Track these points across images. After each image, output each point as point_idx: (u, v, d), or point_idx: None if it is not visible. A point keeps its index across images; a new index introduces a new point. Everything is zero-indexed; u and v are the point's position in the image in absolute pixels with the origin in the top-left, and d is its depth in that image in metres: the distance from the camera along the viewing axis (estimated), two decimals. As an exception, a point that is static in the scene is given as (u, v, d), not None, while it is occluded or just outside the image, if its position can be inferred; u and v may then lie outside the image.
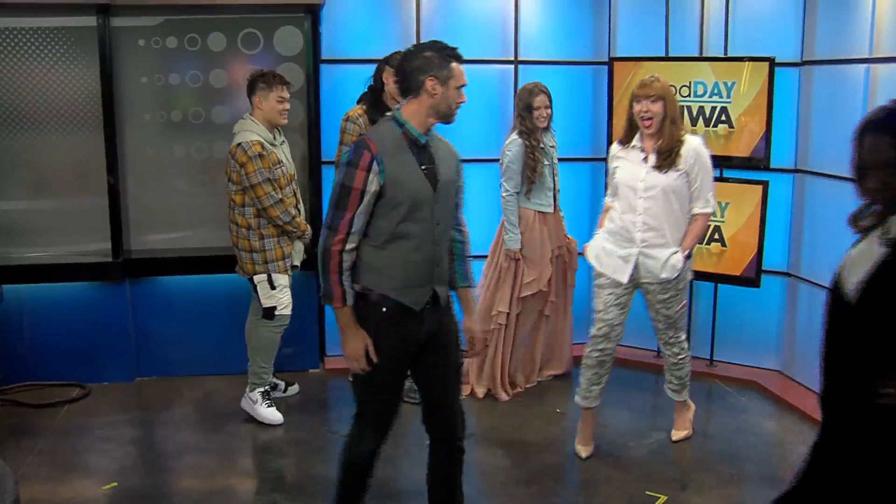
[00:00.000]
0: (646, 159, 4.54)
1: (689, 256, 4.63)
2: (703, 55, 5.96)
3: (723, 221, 5.82)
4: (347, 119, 5.33)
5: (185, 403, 5.59)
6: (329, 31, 5.97)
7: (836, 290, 2.65)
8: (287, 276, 5.25)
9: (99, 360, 5.86)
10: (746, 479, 4.62)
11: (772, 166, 5.74)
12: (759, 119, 5.66)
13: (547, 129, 5.65)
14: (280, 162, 5.16)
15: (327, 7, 5.84)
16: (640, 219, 4.54)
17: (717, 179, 5.86)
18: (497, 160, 5.69)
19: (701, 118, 5.83)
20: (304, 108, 5.92)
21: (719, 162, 5.86)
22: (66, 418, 5.33)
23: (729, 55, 5.85)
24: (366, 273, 3.41)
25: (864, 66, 5.14)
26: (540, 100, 5.47)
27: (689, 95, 5.85)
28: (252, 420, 5.27)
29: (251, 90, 5.14)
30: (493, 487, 4.42)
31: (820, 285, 5.60)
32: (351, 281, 3.40)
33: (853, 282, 2.58)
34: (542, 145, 5.55)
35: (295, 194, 5.30)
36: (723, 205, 5.81)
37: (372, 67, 5.77)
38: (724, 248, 5.84)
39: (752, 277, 5.77)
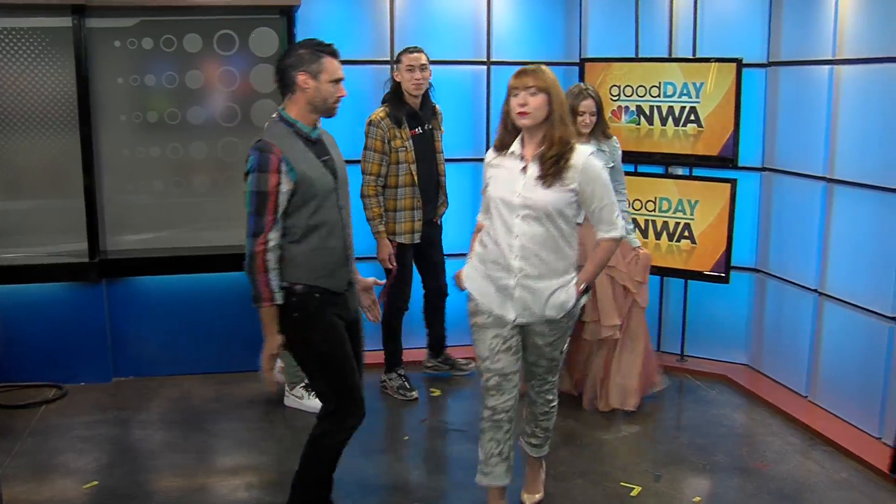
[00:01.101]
0: (525, 169, 3.68)
1: (585, 291, 3.81)
2: (673, 56, 6.07)
3: (692, 219, 5.94)
4: (370, 123, 5.40)
5: (163, 403, 5.61)
6: (304, 32, 5.97)
7: None
8: None
9: (75, 361, 5.86)
10: (717, 469, 4.73)
11: (740, 165, 5.86)
12: (728, 119, 5.78)
13: (593, 134, 5.28)
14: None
15: (302, 8, 5.89)
16: (517, 242, 3.66)
17: (687, 178, 6.01)
18: (475, 160, 5.78)
19: (671, 118, 5.95)
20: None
21: (689, 161, 5.99)
22: (44, 419, 5.33)
23: (697, 56, 5.96)
24: (290, 268, 3.61)
25: (828, 67, 5.27)
26: (586, 104, 5.16)
27: (658, 96, 5.96)
28: (229, 419, 5.32)
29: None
30: (468, 478, 4.43)
31: (787, 281, 5.74)
32: (279, 280, 3.59)
33: None
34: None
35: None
36: (692, 203, 5.93)
37: (346, 69, 5.77)
38: (693, 246, 5.95)
39: (721, 274, 5.89)
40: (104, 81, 5.74)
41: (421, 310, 5.96)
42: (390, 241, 5.48)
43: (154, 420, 5.36)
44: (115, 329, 5.92)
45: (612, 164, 5.18)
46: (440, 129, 5.65)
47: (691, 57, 5.98)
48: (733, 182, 5.80)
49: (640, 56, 6.18)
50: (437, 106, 5.64)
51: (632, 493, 4.42)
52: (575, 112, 5.08)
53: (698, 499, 4.41)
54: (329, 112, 3.69)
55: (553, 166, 3.59)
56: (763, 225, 6.01)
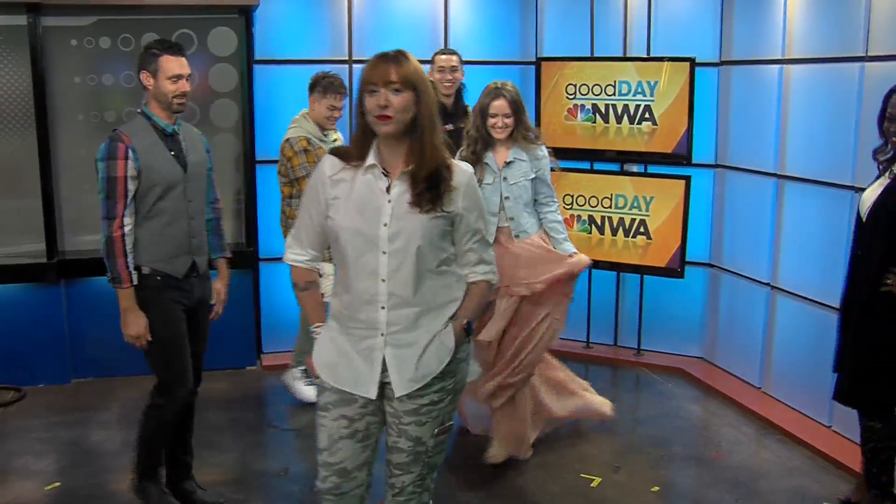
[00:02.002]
0: (389, 188, 2.80)
1: (468, 331, 2.93)
2: (627, 55, 6.17)
3: (647, 215, 6.04)
4: None
5: (123, 403, 5.58)
6: (262, 32, 6.02)
7: (857, 217, 3.84)
8: (331, 264, 5.29)
9: (34, 362, 5.81)
10: (675, 459, 4.84)
11: (693, 162, 5.98)
12: (681, 117, 5.89)
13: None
14: None
15: (260, 8, 5.90)
16: (386, 288, 2.79)
17: (641, 175, 6.12)
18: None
19: (626, 116, 6.04)
20: (238, 108, 5.96)
21: (644, 158, 6.10)
22: (2, 422, 5.29)
23: (651, 55, 6.07)
24: (135, 250, 3.84)
25: (778, 66, 5.40)
26: (498, 105, 4.59)
27: (613, 94, 6.06)
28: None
29: (311, 89, 5.28)
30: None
31: (740, 275, 5.86)
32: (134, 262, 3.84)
33: (866, 207, 3.76)
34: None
35: None
36: (647, 199, 6.03)
37: (304, 68, 5.86)
38: (649, 241, 6.06)
39: (676, 269, 6.00)
40: (61, 81, 5.71)
41: None
42: None
43: (114, 421, 5.34)
44: (73, 330, 5.87)
45: (533, 175, 4.59)
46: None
47: (645, 56, 6.09)
48: (687, 179, 5.92)
49: (595, 55, 6.27)
50: (468, 106, 5.62)
51: (591, 485, 4.50)
52: (486, 113, 4.58)
53: (656, 488, 4.51)
54: (170, 106, 3.87)
55: (432, 188, 2.77)
56: (717, 220, 6.13)
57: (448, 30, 6.32)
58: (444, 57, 5.52)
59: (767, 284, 5.59)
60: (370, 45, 6.16)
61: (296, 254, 3.00)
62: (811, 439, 4.94)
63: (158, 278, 3.87)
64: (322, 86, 5.24)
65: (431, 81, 5.39)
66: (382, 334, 2.81)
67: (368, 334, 2.82)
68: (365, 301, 2.81)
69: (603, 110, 6.12)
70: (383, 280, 2.77)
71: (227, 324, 5.52)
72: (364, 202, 2.79)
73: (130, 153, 3.74)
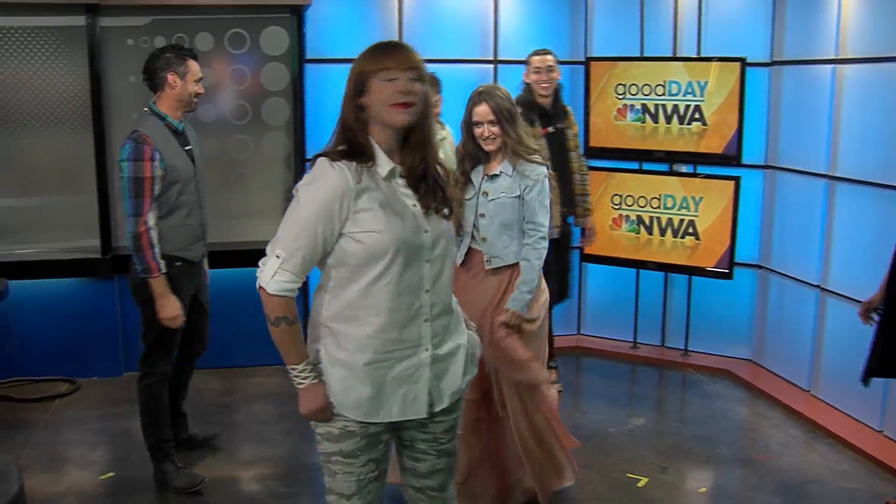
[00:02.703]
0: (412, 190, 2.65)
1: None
2: (677, 55, 6.15)
3: (696, 216, 6.01)
4: None
5: (175, 396, 5.68)
6: (313, 31, 6.09)
7: None
8: None
9: (88, 356, 5.94)
10: (721, 461, 4.82)
11: (743, 162, 5.94)
12: (731, 117, 5.86)
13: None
14: None
15: (312, 8, 5.96)
16: (429, 299, 2.62)
17: (691, 175, 6.11)
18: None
19: (675, 116, 6.02)
20: (289, 106, 6.04)
21: (693, 158, 6.07)
22: (58, 412, 5.41)
23: (701, 55, 6.04)
24: (160, 242, 4.16)
25: (830, 66, 5.35)
26: (480, 111, 3.95)
27: (663, 94, 6.04)
28: (238, 412, 5.42)
29: None
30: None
31: (790, 276, 5.82)
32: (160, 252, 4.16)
33: None
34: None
35: None
36: (696, 200, 6.00)
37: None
38: (697, 242, 6.03)
39: (724, 270, 5.97)
40: (117, 80, 5.82)
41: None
42: None
43: (166, 413, 5.43)
44: (126, 324, 5.97)
45: (518, 193, 3.96)
46: (572, 128, 5.64)
47: (695, 56, 6.06)
48: (737, 179, 5.88)
49: (644, 55, 6.25)
50: (567, 106, 5.66)
51: (638, 484, 4.50)
52: (470, 123, 3.96)
53: (703, 489, 4.50)
54: (191, 105, 4.27)
55: (439, 186, 2.67)
56: (766, 222, 6.09)
57: (497, 29, 6.34)
58: (539, 57, 5.46)
59: (817, 286, 5.54)
60: (420, 44, 6.12)
61: (288, 281, 2.57)
62: (860, 443, 4.89)
63: (178, 264, 4.26)
64: None
65: (527, 83, 5.42)
66: (427, 349, 2.63)
67: (411, 352, 2.61)
68: (408, 318, 2.59)
69: (652, 110, 6.10)
70: (427, 291, 2.60)
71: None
72: (401, 209, 2.57)
73: (156, 155, 4.05)
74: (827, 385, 5.48)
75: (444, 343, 2.67)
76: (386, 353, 2.58)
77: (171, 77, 4.16)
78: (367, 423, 2.62)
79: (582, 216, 5.76)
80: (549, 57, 5.46)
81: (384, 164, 2.57)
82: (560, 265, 5.62)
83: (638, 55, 6.26)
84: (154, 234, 4.09)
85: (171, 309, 4.19)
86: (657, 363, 6.31)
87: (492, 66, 6.36)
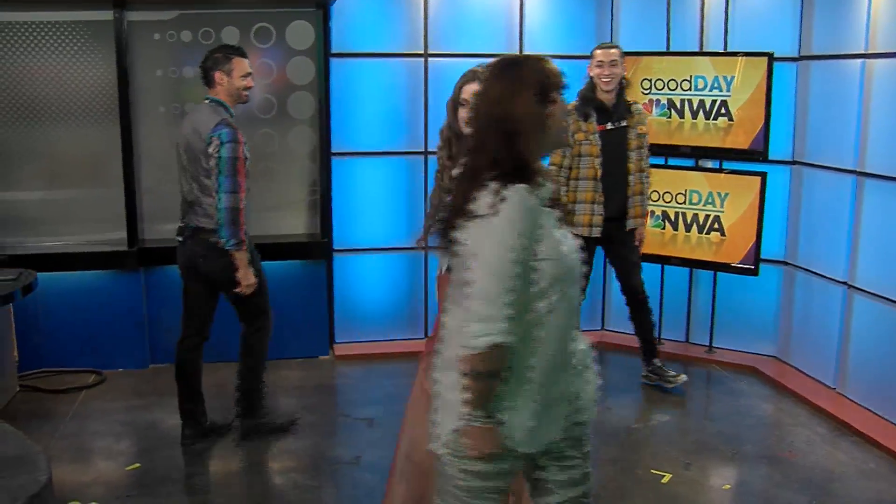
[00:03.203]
0: None
1: None
2: (703, 50, 6.11)
3: (722, 212, 5.98)
4: None
5: (200, 389, 5.72)
6: (339, 25, 6.10)
7: None
8: None
9: (114, 348, 5.99)
10: (746, 458, 4.79)
11: (770, 158, 5.89)
12: (758, 112, 5.82)
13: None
14: None
15: (338, 2, 5.97)
16: (576, 315, 2.62)
17: (717, 171, 6.07)
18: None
19: (701, 111, 5.99)
20: (314, 100, 6.05)
21: (720, 154, 6.03)
22: (85, 403, 5.47)
23: (728, 50, 6.00)
24: None
25: (860, 61, 5.30)
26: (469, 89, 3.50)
27: (689, 89, 6.00)
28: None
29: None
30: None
31: (816, 273, 5.77)
32: None
33: None
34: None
35: None
36: (722, 195, 5.97)
37: (380, 61, 5.95)
38: (723, 238, 6.00)
39: (750, 266, 5.93)
40: (144, 73, 5.87)
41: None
42: None
43: (191, 405, 5.47)
44: (152, 316, 6.03)
45: None
46: (638, 127, 5.50)
47: (722, 51, 6.02)
48: (763, 175, 5.84)
49: (671, 50, 6.22)
50: (634, 104, 5.55)
51: (662, 481, 4.49)
52: (457, 104, 3.46)
53: (727, 486, 4.48)
54: (240, 99, 4.68)
55: None
56: (792, 218, 6.04)
57: (523, 23, 6.32)
58: (602, 51, 5.37)
59: (844, 283, 5.49)
60: (445, 38, 6.20)
61: (504, 331, 2.32)
62: (887, 441, 4.85)
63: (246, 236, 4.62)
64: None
65: (591, 77, 5.37)
66: (572, 364, 2.57)
67: (562, 371, 2.53)
68: (564, 339, 2.51)
69: (678, 105, 6.07)
70: (576, 307, 2.55)
71: (301, 314, 5.65)
72: (562, 230, 2.49)
73: (244, 138, 4.52)
74: (853, 383, 5.44)
75: (581, 354, 2.62)
76: (542, 378, 2.47)
77: (217, 75, 4.58)
78: (527, 453, 2.52)
79: (634, 217, 5.54)
80: (613, 51, 5.35)
81: (547, 185, 2.46)
82: (623, 262, 5.65)
83: (664, 50, 6.23)
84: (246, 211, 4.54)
85: (251, 277, 4.60)
86: (682, 359, 6.28)
87: (517, 60, 6.34)
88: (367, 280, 6.42)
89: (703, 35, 6.14)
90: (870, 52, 5.22)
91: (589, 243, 5.36)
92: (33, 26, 5.68)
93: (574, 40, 6.44)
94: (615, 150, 5.42)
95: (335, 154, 6.14)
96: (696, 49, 6.14)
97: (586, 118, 5.39)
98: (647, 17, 6.33)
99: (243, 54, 4.64)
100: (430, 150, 6.25)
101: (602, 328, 6.75)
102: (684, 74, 6.03)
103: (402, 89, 6.19)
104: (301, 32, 5.99)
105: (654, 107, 6.15)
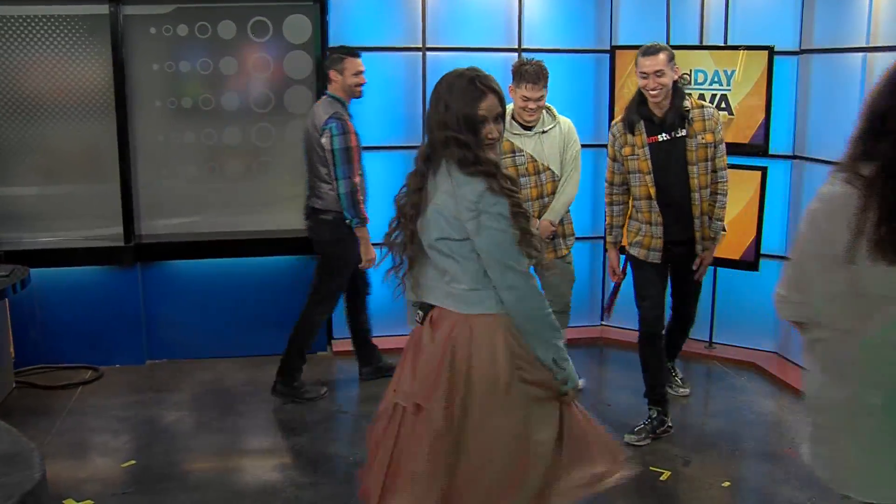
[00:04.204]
0: None
1: None
2: (704, 44, 6.07)
3: (722, 207, 5.94)
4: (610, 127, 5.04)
5: (197, 385, 5.70)
6: (336, 19, 6.05)
7: None
8: None
9: (110, 343, 5.96)
10: (746, 455, 4.76)
11: (770, 153, 5.86)
12: (758, 107, 5.78)
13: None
14: (514, 151, 5.03)
15: (335, -4, 5.95)
16: None
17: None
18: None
19: (701, 105, 5.94)
20: (312, 95, 6.01)
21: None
22: (81, 400, 5.44)
23: (728, 44, 5.96)
24: None
25: (862, 54, 5.26)
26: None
27: (689, 83, 5.96)
28: (262, 401, 5.40)
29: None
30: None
31: (817, 269, 5.73)
32: None
33: None
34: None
35: (536, 186, 5.10)
36: (722, 190, 5.93)
37: (378, 55, 5.89)
38: (723, 233, 5.95)
39: (751, 261, 5.89)
40: (140, 68, 5.83)
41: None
42: (626, 251, 5.01)
43: (188, 402, 5.45)
44: (149, 312, 6.01)
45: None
46: (702, 136, 4.76)
47: (722, 45, 5.98)
48: (764, 170, 5.80)
49: (670, 43, 6.16)
50: (697, 109, 4.77)
51: (661, 478, 4.46)
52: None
53: (727, 483, 4.45)
54: (353, 95, 5.25)
55: None
56: (793, 213, 6.00)
57: (522, 18, 6.28)
58: (645, 59, 4.70)
59: (845, 279, 5.45)
60: (444, 32, 6.16)
61: None
62: (889, 438, 4.82)
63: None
64: (516, 75, 4.97)
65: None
66: None
67: None
68: None
69: (678, 99, 6.02)
70: None
71: (300, 309, 5.58)
72: None
73: (355, 129, 5.13)
74: (854, 379, 5.40)
75: None
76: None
77: (332, 73, 5.20)
78: None
79: (702, 242, 4.88)
80: (659, 58, 4.62)
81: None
82: (685, 287, 5.14)
83: (664, 43, 6.17)
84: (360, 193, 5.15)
85: (371, 253, 5.18)
86: (681, 355, 6.20)
87: (516, 54, 6.28)
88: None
89: (703, 28, 6.10)
90: (871, 45, 5.18)
91: (645, 266, 4.86)
92: (28, 20, 5.64)
93: (573, 34, 6.40)
94: (671, 165, 4.75)
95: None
96: (697, 42, 6.09)
97: (631, 130, 4.76)
98: (646, 11, 6.28)
99: (355, 55, 5.20)
100: (428, 145, 6.21)
101: (601, 324, 6.71)
102: (684, 68, 5.96)
103: (400, 84, 6.15)
104: (298, 26, 5.95)
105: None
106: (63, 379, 5.72)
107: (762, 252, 5.89)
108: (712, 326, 6.30)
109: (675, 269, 5.00)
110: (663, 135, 4.73)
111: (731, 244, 5.93)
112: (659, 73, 4.62)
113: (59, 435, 4.93)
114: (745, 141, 5.86)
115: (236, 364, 5.98)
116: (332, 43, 6.03)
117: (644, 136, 4.75)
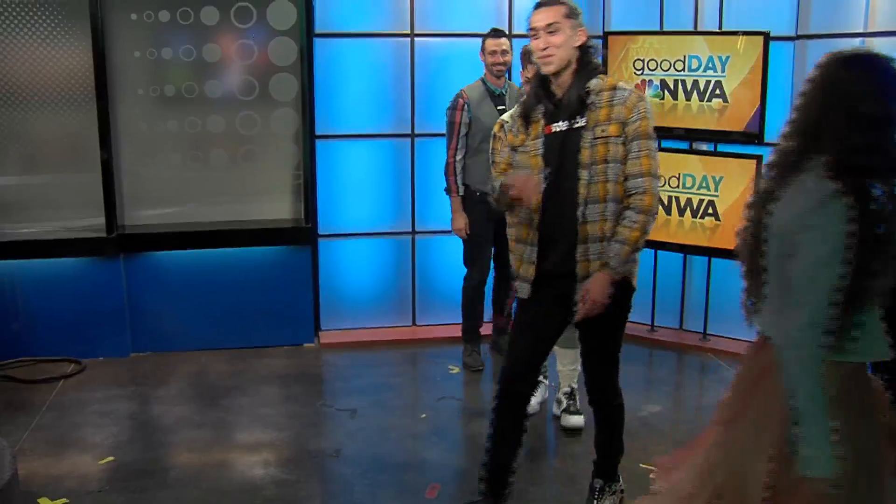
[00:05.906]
0: None
1: None
2: (698, 29, 5.95)
3: (716, 196, 5.84)
4: None
5: (180, 378, 5.60)
6: (322, 4, 5.94)
7: None
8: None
9: (93, 336, 5.86)
10: (740, 451, 4.66)
11: (766, 140, 5.74)
12: (754, 93, 5.66)
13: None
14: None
15: (321, -20, 5.82)
16: None
17: (711, 153, 5.93)
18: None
19: (695, 92, 5.83)
20: (297, 82, 5.89)
21: (714, 136, 5.88)
22: (62, 393, 5.34)
23: (724, 29, 5.84)
24: (465, 174, 5.46)
25: (859, 40, 5.16)
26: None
27: (683, 69, 5.85)
28: (246, 394, 5.31)
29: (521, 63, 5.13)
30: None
31: (813, 259, 5.63)
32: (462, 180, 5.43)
33: None
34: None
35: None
36: (717, 179, 5.82)
37: (365, 41, 5.78)
38: (717, 223, 5.86)
39: (745, 251, 5.78)
40: (121, 55, 5.71)
41: None
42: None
43: (171, 395, 5.35)
44: (132, 304, 5.90)
45: None
46: (600, 129, 3.39)
47: (717, 30, 5.86)
48: (759, 158, 5.68)
49: (664, 29, 6.06)
50: (602, 93, 3.43)
51: (651, 475, 4.35)
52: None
53: (719, 480, 4.34)
54: (493, 72, 5.41)
55: None
56: (788, 202, 5.90)
57: (512, 2, 6.16)
58: (493, 41, 5.40)
59: (842, 269, 5.35)
60: (432, 17, 6.04)
61: None
62: (885, 433, 4.72)
63: (478, 194, 5.32)
64: (524, 57, 4.98)
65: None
66: None
67: None
68: None
69: (672, 86, 5.91)
70: None
71: (286, 301, 5.53)
72: None
73: (466, 106, 5.36)
74: (850, 371, 5.31)
75: None
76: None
77: (481, 55, 5.43)
78: None
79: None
80: (555, 8, 3.37)
81: None
82: None
83: (657, 29, 6.06)
84: (458, 166, 5.42)
85: (457, 222, 5.49)
86: (675, 347, 6.16)
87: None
88: (352, 266, 6.28)
89: (697, 13, 5.98)
90: (869, 30, 5.08)
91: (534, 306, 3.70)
92: (5, 5, 5.51)
93: (565, 19, 6.26)
94: (564, 165, 3.47)
95: (319, 137, 5.99)
96: (691, 28, 5.98)
97: (528, 116, 3.58)
98: (640, -5, 6.17)
99: (492, 35, 5.41)
100: (416, 132, 6.11)
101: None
102: (678, 54, 5.87)
103: (389, 70, 6.04)
104: (283, 12, 5.81)
105: (646, 87, 5.98)
106: (44, 372, 5.62)
107: (757, 242, 5.77)
108: (706, 317, 6.21)
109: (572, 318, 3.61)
110: (560, 123, 3.45)
111: (726, 234, 5.84)
112: (553, 29, 3.36)
113: (38, 430, 4.82)
114: (741, 128, 5.75)
115: (221, 356, 5.88)
116: (318, 29, 5.93)
117: (541, 124, 3.50)
